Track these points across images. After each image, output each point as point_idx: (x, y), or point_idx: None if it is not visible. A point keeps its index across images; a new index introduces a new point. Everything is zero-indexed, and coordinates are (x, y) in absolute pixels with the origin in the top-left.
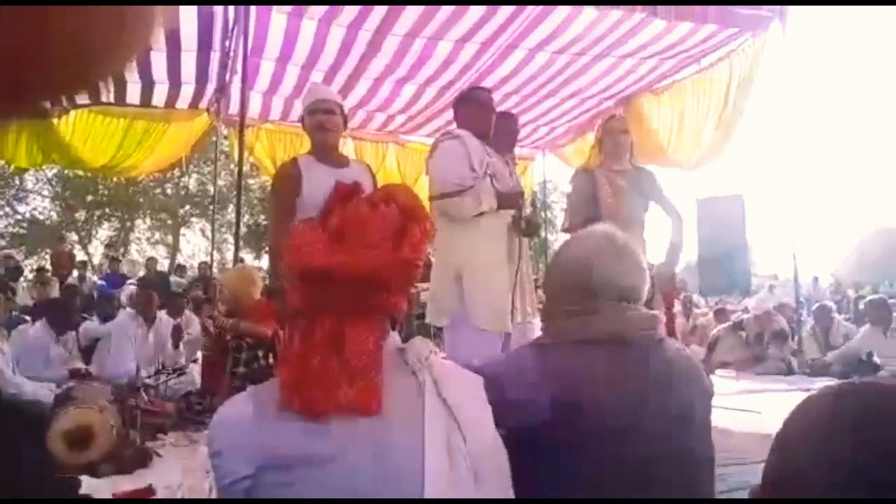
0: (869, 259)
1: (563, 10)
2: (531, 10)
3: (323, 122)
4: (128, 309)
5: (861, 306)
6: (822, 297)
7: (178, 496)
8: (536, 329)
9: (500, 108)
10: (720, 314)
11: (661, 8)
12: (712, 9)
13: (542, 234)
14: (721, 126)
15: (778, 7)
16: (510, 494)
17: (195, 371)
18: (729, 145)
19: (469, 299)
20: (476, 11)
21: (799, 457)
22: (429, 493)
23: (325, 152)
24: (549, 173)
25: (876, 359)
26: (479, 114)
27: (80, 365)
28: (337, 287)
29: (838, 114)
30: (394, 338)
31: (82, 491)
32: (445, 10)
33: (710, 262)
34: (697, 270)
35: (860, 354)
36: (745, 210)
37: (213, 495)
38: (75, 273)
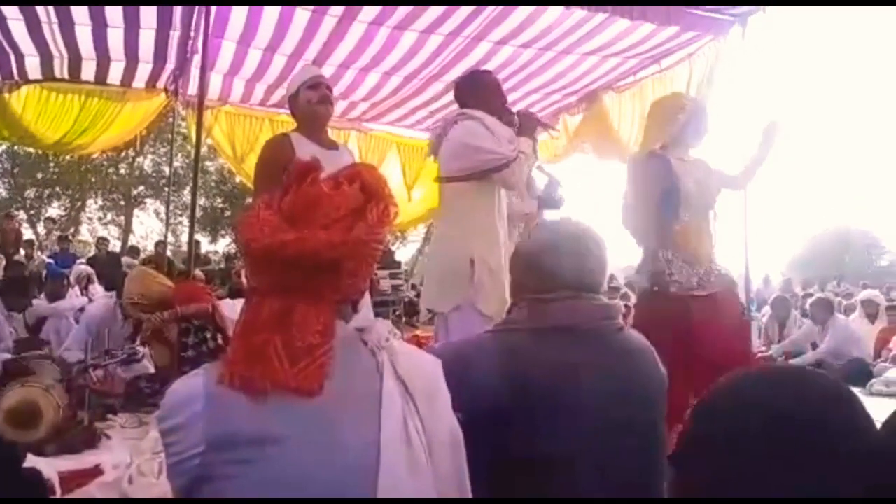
0: (819, 258)
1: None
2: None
3: (328, 96)
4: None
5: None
6: (772, 294)
7: (127, 476)
8: None
9: None
10: None
11: (623, 7)
12: (673, 11)
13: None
14: None
15: (739, 11)
16: (465, 478)
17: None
18: None
19: (478, 284)
20: None
21: (703, 419)
22: (384, 475)
23: (317, 130)
24: None
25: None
26: (492, 96)
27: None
28: (285, 267)
29: (793, 116)
30: (355, 320)
31: (26, 465)
32: None
33: None
34: None
35: (803, 348)
36: None
37: (164, 475)
38: (22, 252)
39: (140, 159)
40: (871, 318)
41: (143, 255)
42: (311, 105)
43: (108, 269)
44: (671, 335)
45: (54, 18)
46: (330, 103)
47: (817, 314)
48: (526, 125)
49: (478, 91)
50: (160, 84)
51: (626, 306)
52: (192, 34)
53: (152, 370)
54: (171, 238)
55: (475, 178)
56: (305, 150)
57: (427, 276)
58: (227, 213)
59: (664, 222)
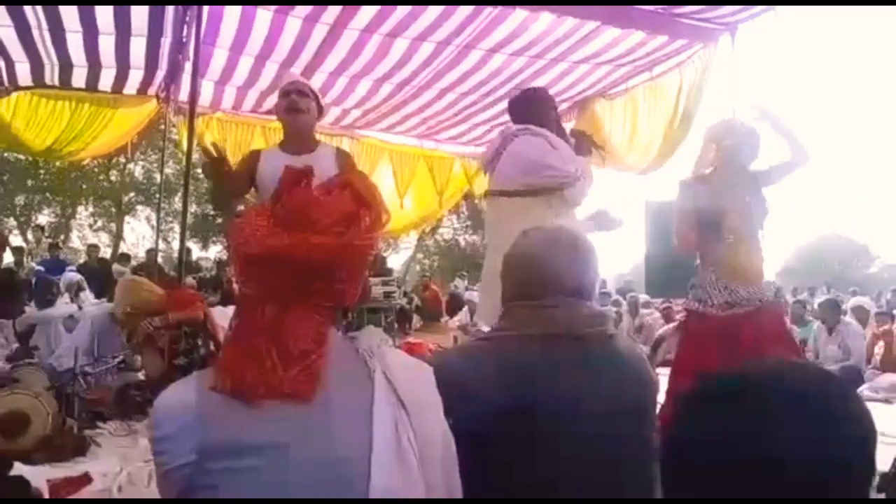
0: (809, 266)
1: (520, 14)
2: (489, 12)
3: (296, 101)
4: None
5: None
6: None
7: (117, 484)
8: None
9: (455, 107)
10: (667, 314)
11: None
12: (663, 20)
13: None
14: (671, 132)
15: (730, 20)
16: (457, 484)
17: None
18: (679, 151)
19: None
20: (434, 10)
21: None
22: (375, 481)
23: (293, 139)
24: None
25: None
26: (548, 112)
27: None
28: (278, 271)
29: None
30: (345, 327)
31: (13, 473)
32: (403, 8)
33: (657, 263)
34: (644, 271)
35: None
36: None
37: (154, 483)
38: (12, 258)
39: (131, 166)
40: (862, 323)
41: (134, 262)
42: (282, 115)
43: (99, 276)
44: (716, 353)
45: (45, 24)
46: (297, 111)
47: (825, 315)
48: (582, 145)
49: (534, 108)
50: (151, 91)
51: (617, 313)
52: (184, 41)
53: (143, 377)
54: (162, 245)
55: (529, 195)
56: (273, 160)
57: (484, 292)
58: (219, 220)
59: (708, 244)
